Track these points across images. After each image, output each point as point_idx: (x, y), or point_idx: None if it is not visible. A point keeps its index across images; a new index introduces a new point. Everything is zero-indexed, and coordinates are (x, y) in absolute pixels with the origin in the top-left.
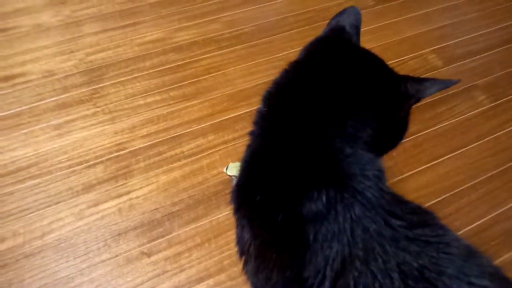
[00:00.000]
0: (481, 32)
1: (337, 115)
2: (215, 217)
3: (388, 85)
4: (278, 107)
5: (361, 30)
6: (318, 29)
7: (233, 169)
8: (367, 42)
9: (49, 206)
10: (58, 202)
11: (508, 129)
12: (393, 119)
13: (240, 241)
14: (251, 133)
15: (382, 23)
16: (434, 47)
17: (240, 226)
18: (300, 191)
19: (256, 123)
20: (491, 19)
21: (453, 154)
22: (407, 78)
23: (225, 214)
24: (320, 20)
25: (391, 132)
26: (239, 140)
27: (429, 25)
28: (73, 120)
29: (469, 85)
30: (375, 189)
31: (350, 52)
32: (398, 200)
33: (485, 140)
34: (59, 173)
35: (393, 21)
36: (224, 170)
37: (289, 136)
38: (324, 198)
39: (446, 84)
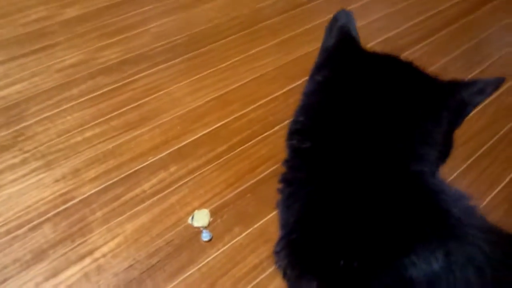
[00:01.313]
0: (416, 20)
1: (404, 138)
2: (204, 262)
3: (444, 94)
4: (329, 141)
5: (299, 31)
6: (255, 34)
7: (201, 219)
8: (307, 43)
9: None
10: (5, 280)
11: (469, 116)
12: (452, 132)
13: None
14: (291, 179)
15: (318, 22)
16: (378, 40)
17: None
18: (402, 248)
19: (294, 164)
20: (422, 7)
21: None
22: (458, 84)
23: (214, 256)
24: (254, 24)
25: (446, 148)
26: (206, 167)
27: (367, 18)
28: None
29: None
30: (481, 228)
31: (384, 63)
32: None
33: None
34: None
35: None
36: (189, 220)
37: (359, 173)
38: (438, 255)
39: (497, 82)
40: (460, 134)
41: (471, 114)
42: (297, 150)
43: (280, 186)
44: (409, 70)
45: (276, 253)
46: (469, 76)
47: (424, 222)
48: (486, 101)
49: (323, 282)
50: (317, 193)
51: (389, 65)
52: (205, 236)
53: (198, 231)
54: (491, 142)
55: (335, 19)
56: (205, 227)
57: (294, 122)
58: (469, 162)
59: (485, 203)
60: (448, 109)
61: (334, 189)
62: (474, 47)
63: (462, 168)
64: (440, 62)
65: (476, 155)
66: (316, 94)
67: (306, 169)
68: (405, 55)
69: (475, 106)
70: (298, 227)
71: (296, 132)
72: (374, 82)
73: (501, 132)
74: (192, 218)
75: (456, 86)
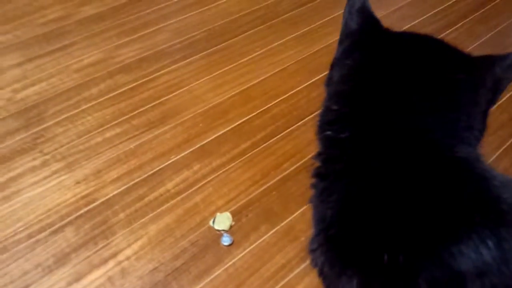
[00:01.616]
0: (439, 8)
1: (446, 120)
2: (230, 262)
3: (480, 70)
4: (370, 128)
5: (319, 23)
6: (275, 27)
7: (222, 222)
8: (328, 35)
9: None
10: (27, 286)
11: (497, 104)
12: (487, 110)
13: None
14: (325, 173)
15: (337, 14)
16: (401, 30)
17: None
18: (450, 238)
19: (330, 156)
20: None
21: None
22: (492, 58)
23: (240, 256)
24: (274, 17)
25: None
26: (230, 165)
27: (388, 8)
28: (19, 176)
29: None
30: None
31: (415, 42)
32: None
33: None
34: (18, 247)
35: None
36: (211, 223)
37: (401, 161)
38: (490, 243)
39: None
40: (490, 122)
41: (498, 103)
42: (334, 140)
43: (313, 181)
44: (442, 48)
45: (312, 251)
46: None
47: (473, 209)
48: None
49: (365, 279)
50: (356, 184)
51: (421, 44)
52: (225, 240)
53: (220, 234)
54: None
55: (351, 4)
56: (226, 231)
57: (326, 112)
58: (500, 151)
59: None
60: (485, 86)
61: (374, 178)
62: (501, 32)
63: (494, 157)
64: (467, 49)
65: (507, 144)
66: (348, 80)
67: (345, 160)
68: None
69: (510, 80)
70: (337, 222)
71: (331, 122)
72: (408, 62)
73: None
74: (214, 220)
75: (490, 61)
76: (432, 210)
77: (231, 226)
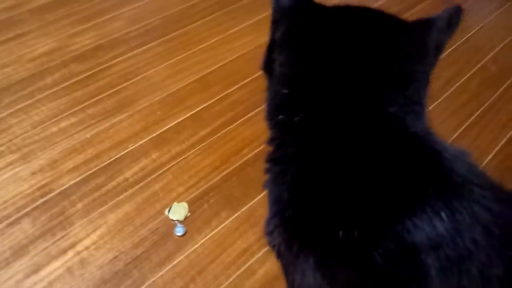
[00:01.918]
0: None
1: (397, 94)
2: (191, 249)
3: (420, 35)
4: (322, 108)
5: None
6: (232, 13)
7: (177, 212)
8: None
9: None
10: None
11: (455, 86)
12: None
13: None
14: (279, 157)
15: None
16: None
17: (299, 273)
18: (404, 211)
19: (283, 140)
20: None
21: None
22: (429, 21)
23: (201, 242)
24: (232, 3)
25: None
26: (189, 152)
27: None
28: None
29: None
30: (486, 186)
31: (353, 14)
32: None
33: (438, 101)
34: None
35: None
36: (166, 212)
37: (353, 137)
38: (443, 215)
39: (458, 11)
40: (447, 104)
41: (456, 85)
42: (287, 124)
43: (267, 165)
44: (382, 18)
45: (269, 233)
46: (455, 45)
47: (426, 182)
48: (470, 73)
49: (322, 257)
50: (310, 164)
51: (362, 18)
52: (178, 230)
53: (175, 224)
54: (478, 112)
55: None
56: (181, 221)
57: (275, 96)
58: (459, 131)
59: None
60: (428, 52)
61: (327, 158)
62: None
63: (453, 137)
64: None
65: (465, 125)
66: (295, 61)
67: (298, 143)
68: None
69: (448, 38)
70: (292, 203)
71: (282, 106)
72: (354, 38)
73: (488, 102)
74: (169, 210)
75: (428, 25)
76: (385, 185)
77: (186, 217)
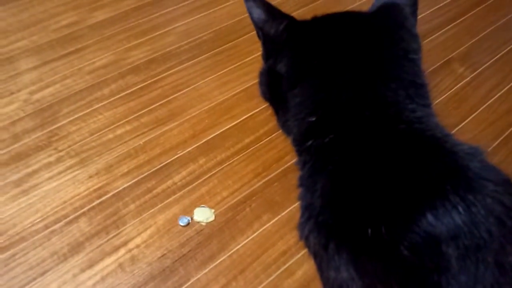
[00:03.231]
0: (440, 5)
1: (406, 87)
2: (234, 249)
3: (397, 22)
4: (348, 126)
5: None
6: None
7: (201, 214)
8: None
9: (34, 279)
10: (45, 272)
11: (496, 96)
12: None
13: (333, 285)
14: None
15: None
16: None
17: (334, 269)
18: (425, 207)
19: (317, 160)
20: None
21: (454, 131)
22: (394, 4)
23: (243, 243)
24: None
25: None
26: (234, 158)
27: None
28: (35, 172)
29: (445, 59)
30: (499, 181)
31: (339, 24)
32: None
33: (479, 111)
34: (35, 237)
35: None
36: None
37: (374, 141)
38: (460, 208)
39: None
40: (488, 114)
41: (498, 95)
42: (317, 147)
43: (300, 187)
44: (361, 20)
45: (305, 237)
46: (497, 56)
47: (444, 179)
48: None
49: (355, 254)
50: (338, 173)
51: (345, 23)
52: (183, 221)
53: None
54: None
55: (249, 12)
56: (204, 223)
57: (299, 125)
58: (498, 141)
59: None
60: (411, 33)
61: (354, 164)
62: (500, 28)
63: (492, 146)
64: (466, 45)
65: (505, 134)
66: (315, 90)
67: (328, 157)
68: (431, 39)
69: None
70: (324, 208)
71: (310, 133)
72: (352, 48)
73: None
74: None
75: (398, 7)
76: (408, 185)
77: (209, 221)
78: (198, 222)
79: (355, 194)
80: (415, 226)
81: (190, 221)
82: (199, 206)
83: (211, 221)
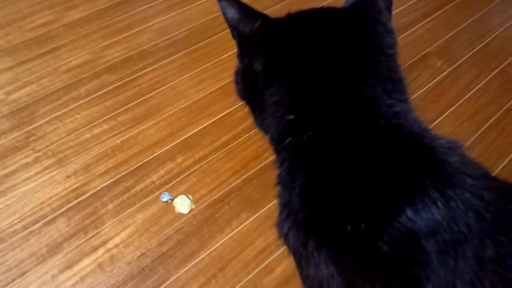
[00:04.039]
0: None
1: (382, 81)
2: (213, 247)
3: (373, 17)
4: (326, 123)
5: None
6: None
7: (182, 203)
8: None
9: (13, 280)
10: (23, 274)
11: (474, 90)
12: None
13: (313, 282)
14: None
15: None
16: None
17: (314, 266)
18: (404, 202)
19: (295, 158)
20: None
21: (432, 125)
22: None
23: (223, 241)
24: None
25: None
26: (211, 156)
27: None
28: (12, 173)
29: (423, 53)
30: (477, 175)
31: (312, 20)
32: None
33: (457, 105)
34: (13, 238)
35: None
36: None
37: (352, 138)
38: (439, 203)
39: None
40: (466, 108)
41: (475, 89)
42: (296, 145)
43: (278, 184)
44: (336, 16)
45: (284, 235)
46: (475, 49)
47: (422, 174)
48: (489, 77)
49: (334, 250)
50: (317, 171)
51: (319, 19)
52: (164, 196)
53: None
54: (496, 115)
55: (223, 12)
56: (187, 210)
57: (277, 123)
58: (476, 135)
59: (495, 173)
60: (387, 27)
61: (332, 162)
62: (477, 21)
63: (471, 140)
64: (443, 38)
65: (483, 128)
66: (293, 88)
67: (306, 155)
68: (408, 33)
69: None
70: (303, 206)
71: (288, 131)
72: (330, 46)
73: (506, 106)
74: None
75: (372, 2)
76: (386, 181)
77: (191, 209)
78: (179, 212)
79: (334, 191)
80: (395, 221)
81: (170, 200)
82: (177, 197)
83: (192, 209)
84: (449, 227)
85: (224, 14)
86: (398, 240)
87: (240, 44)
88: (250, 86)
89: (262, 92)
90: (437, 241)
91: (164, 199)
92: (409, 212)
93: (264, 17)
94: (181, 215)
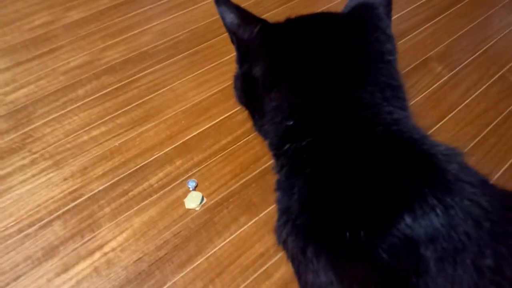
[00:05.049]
0: (418, 3)
1: (383, 90)
2: (211, 252)
3: (373, 23)
4: (326, 130)
5: None
6: None
7: (192, 200)
8: None
9: (8, 284)
10: (18, 277)
11: (474, 95)
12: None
13: None
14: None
15: (322, 9)
16: None
17: (312, 273)
18: (403, 210)
19: (294, 164)
20: None
21: (432, 130)
22: (367, 5)
23: (221, 246)
24: None
25: None
26: (211, 159)
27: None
28: (9, 175)
29: (423, 58)
30: (477, 183)
31: (310, 26)
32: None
33: (456, 110)
34: (9, 241)
35: (333, 6)
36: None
37: (355, 147)
38: (438, 211)
39: None
40: (465, 114)
41: (474, 95)
42: (295, 150)
43: (277, 190)
44: (336, 22)
45: (283, 241)
46: (475, 55)
47: (422, 182)
48: (489, 82)
49: (333, 257)
50: (316, 177)
51: (317, 24)
52: (191, 184)
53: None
54: (496, 121)
55: (222, 17)
56: (196, 209)
57: (276, 129)
58: (475, 140)
59: (494, 179)
60: (386, 33)
61: (332, 169)
62: (477, 27)
63: (470, 146)
64: (444, 44)
65: (482, 134)
66: (294, 94)
67: (305, 161)
68: (408, 38)
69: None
70: (302, 212)
71: (287, 137)
72: (329, 52)
73: (506, 112)
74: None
75: (372, 8)
76: (386, 188)
77: (202, 204)
78: (192, 208)
79: (333, 197)
80: (394, 229)
81: (196, 185)
82: (188, 194)
83: (204, 204)
84: (448, 235)
85: (223, 19)
86: (397, 247)
87: (239, 49)
88: (249, 92)
89: (261, 98)
90: (436, 248)
91: (191, 187)
92: (408, 219)
93: (263, 22)
94: (179, 218)
